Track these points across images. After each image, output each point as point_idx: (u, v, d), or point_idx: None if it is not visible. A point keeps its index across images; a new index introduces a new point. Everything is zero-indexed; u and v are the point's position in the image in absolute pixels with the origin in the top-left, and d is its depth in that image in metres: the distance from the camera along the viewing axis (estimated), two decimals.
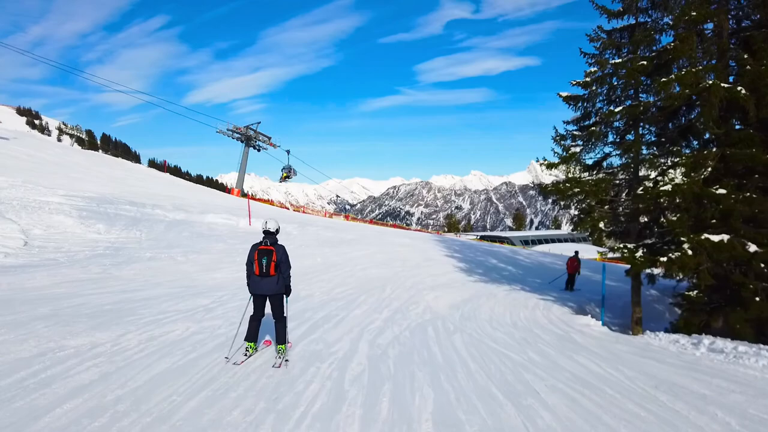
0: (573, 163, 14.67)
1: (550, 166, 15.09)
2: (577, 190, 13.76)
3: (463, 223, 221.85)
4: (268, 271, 6.49)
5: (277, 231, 6.95)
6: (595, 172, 15.48)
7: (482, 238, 65.49)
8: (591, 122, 15.24)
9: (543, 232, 72.09)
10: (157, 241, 17.68)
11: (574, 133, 15.19)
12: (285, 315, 6.72)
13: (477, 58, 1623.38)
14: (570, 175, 15.18)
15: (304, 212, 54.45)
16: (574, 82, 14.92)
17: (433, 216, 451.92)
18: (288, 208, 55.57)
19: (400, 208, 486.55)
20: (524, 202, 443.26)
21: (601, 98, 15.02)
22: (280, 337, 6.70)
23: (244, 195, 54.24)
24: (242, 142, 53.05)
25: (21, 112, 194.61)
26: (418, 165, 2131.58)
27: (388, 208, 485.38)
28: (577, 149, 14.61)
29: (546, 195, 15.28)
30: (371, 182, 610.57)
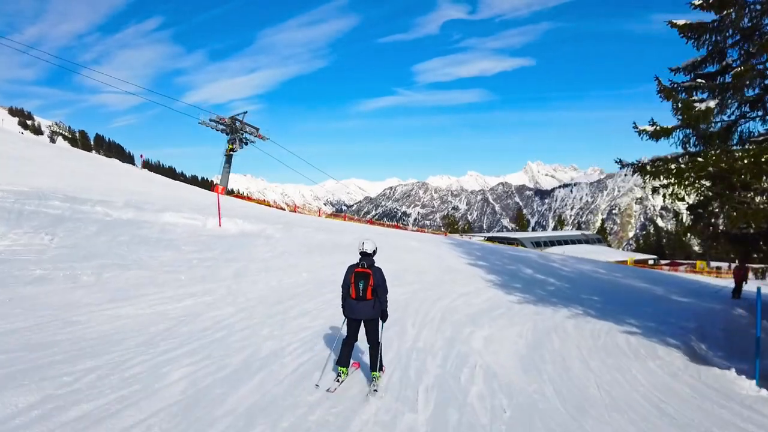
0: (703, 125, 9.18)
1: (660, 133, 9.67)
2: (723, 166, 8.22)
3: (460, 223, 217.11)
4: (365, 294, 6.08)
5: (374, 252, 6.42)
6: (718, 143, 10.03)
7: (490, 239, 60.20)
8: (719, 67, 9.82)
9: (554, 233, 66.78)
10: (74, 249, 12.17)
11: (694, 83, 9.75)
12: (380, 341, 6.28)
13: (473, 59, 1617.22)
14: (687, 148, 9.78)
15: (295, 211, 48.93)
16: (696, 3, 9.50)
17: (430, 216, 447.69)
18: (284, 209, 50.09)
19: (397, 209, 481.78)
20: (520, 203, 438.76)
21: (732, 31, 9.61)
22: (374, 364, 6.19)
23: (230, 193, 48.70)
24: (227, 134, 47.49)
25: (13, 112, 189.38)
26: (415, 165, 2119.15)
27: (384, 209, 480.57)
28: (711, 104, 9.08)
29: (652, 176, 9.82)
30: (368, 183, 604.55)
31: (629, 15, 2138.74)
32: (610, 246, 76.48)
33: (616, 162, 11.22)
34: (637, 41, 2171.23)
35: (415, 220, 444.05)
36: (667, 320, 14.10)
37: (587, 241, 63.34)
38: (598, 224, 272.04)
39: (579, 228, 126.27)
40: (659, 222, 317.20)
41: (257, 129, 48.50)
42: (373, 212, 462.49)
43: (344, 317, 6.34)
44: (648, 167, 10.15)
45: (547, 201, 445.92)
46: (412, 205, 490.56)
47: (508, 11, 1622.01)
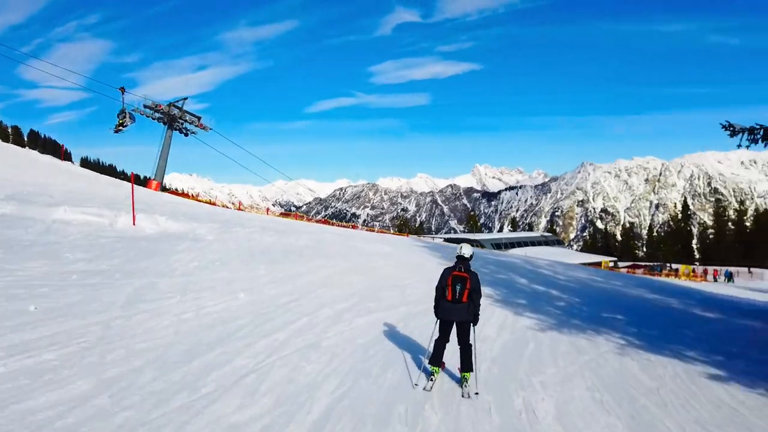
0: None
1: None
2: None
3: (411, 224, 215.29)
4: (461, 297, 6.16)
5: (471, 257, 6.44)
6: None
7: (449, 240, 56.91)
8: None
9: (515, 235, 64.11)
10: None
11: None
12: (471, 342, 6.29)
13: (425, 62, 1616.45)
14: None
15: (240, 208, 43.81)
16: None
17: (380, 218, 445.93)
18: (229, 207, 44.86)
19: (347, 210, 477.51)
20: (468, 205, 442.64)
21: None
22: (466, 365, 6.25)
23: (165, 189, 43.10)
24: (164, 123, 41.82)
25: None
26: (365, 167, 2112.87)
27: (334, 210, 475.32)
28: None
29: None
30: (317, 184, 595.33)
31: (570, 22, 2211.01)
32: (566, 247, 74.99)
33: (724, 128, 7.46)
34: (578, 49, 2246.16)
35: (364, 221, 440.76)
36: (727, 349, 10.53)
37: (546, 242, 61.01)
38: (542, 226, 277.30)
39: (530, 229, 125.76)
40: (598, 224, 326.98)
41: (199, 118, 43.09)
42: (323, 213, 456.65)
43: (437, 319, 6.44)
44: None
45: (493, 203, 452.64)
46: (362, 207, 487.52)
47: (460, 16, 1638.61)
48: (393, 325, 9.02)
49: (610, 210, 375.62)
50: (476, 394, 6.10)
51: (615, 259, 60.18)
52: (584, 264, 47.57)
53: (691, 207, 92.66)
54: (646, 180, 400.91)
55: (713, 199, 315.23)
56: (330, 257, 15.49)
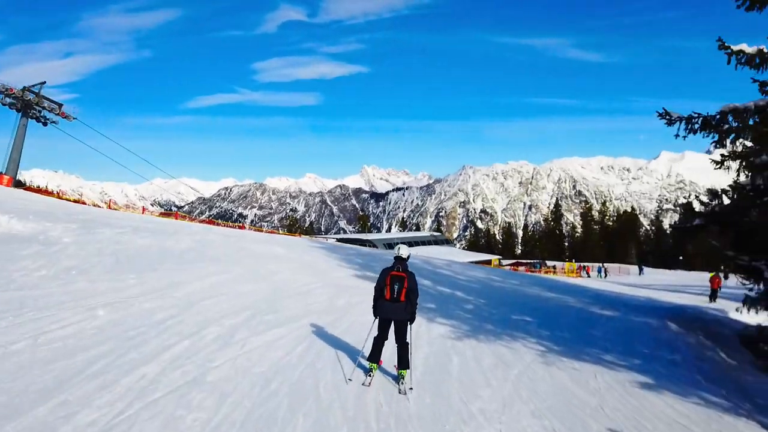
0: None
1: None
2: None
3: (301, 225, 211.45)
4: (399, 296, 6.30)
5: (408, 257, 6.77)
6: None
7: (342, 240, 55.65)
8: None
9: (406, 235, 64.28)
10: None
11: None
12: (408, 341, 6.43)
13: (312, 62, 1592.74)
14: None
15: (110, 207, 39.24)
16: None
17: (268, 218, 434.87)
18: (101, 206, 39.93)
19: (233, 210, 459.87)
20: (357, 205, 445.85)
21: None
22: (403, 362, 6.36)
23: (20, 185, 37.52)
24: (17, 110, 36.21)
25: None
26: (252, 166, 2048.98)
27: (219, 210, 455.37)
28: None
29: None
30: (201, 183, 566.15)
31: (452, 31, 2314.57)
32: (453, 246, 77.15)
33: (660, 116, 6.85)
34: (460, 57, 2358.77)
35: (252, 221, 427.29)
36: (640, 350, 10.32)
37: (436, 242, 61.94)
38: (427, 226, 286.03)
39: (418, 229, 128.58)
40: (479, 224, 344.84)
41: (60, 105, 37.89)
42: (207, 213, 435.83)
43: (375, 317, 6.55)
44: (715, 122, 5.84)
45: (381, 203, 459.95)
46: (249, 207, 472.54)
47: (346, 18, 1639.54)
48: (297, 343, 7.49)
49: (489, 211, 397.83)
50: (410, 389, 6.21)
51: (499, 257, 62.77)
52: (475, 262, 48.76)
53: (551, 209, 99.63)
54: (520, 183, 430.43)
55: (578, 201, 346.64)
56: (217, 261, 13.45)
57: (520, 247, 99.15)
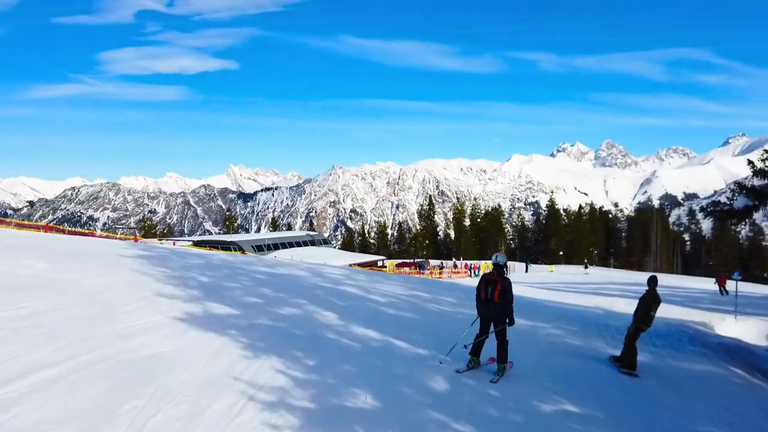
0: None
1: None
2: None
3: (159, 227, 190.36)
4: (492, 297, 6.77)
5: (505, 264, 7.14)
6: None
7: (199, 243, 45.53)
8: None
9: (278, 235, 55.22)
10: None
11: None
12: (507, 338, 6.92)
13: (171, 54, 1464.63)
14: None
15: None
16: None
17: (123, 221, 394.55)
18: None
19: (82, 213, 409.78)
20: (224, 206, 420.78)
21: None
22: (501, 356, 6.88)
23: None
24: None
25: None
26: (104, 164, 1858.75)
27: (65, 213, 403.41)
28: None
29: None
30: (43, 183, 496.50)
31: (319, 31, 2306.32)
32: (333, 246, 69.85)
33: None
34: (326, 58, 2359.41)
35: (104, 224, 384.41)
36: None
37: (313, 242, 54.04)
38: (298, 226, 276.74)
39: (289, 229, 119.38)
40: (349, 223, 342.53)
41: None
42: (51, 216, 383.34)
43: (477, 316, 7.16)
44: None
45: (250, 204, 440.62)
46: (101, 209, 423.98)
47: (208, 11, 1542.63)
48: None
49: (359, 210, 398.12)
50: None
51: (383, 257, 56.77)
52: (360, 265, 41.93)
53: (425, 207, 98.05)
54: (388, 183, 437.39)
55: (441, 200, 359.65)
56: None
57: (394, 245, 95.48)
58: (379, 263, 50.44)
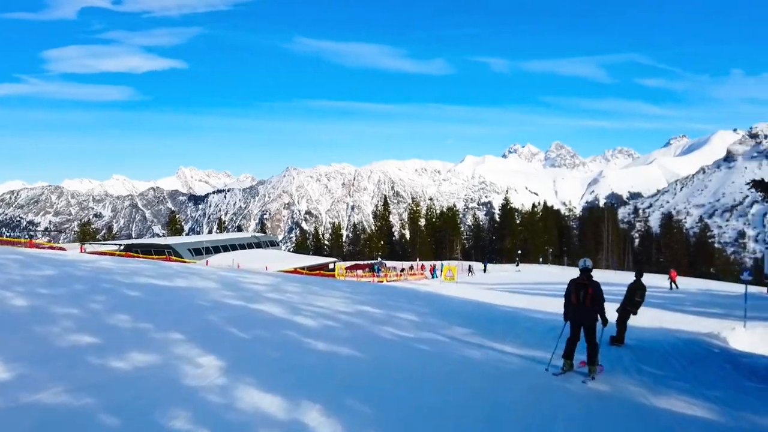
0: None
1: None
2: None
3: (104, 232, 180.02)
4: (584, 302, 6.78)
5: (592, 269, 7.03)
6: None
7: (130, 248, 40.39)
8: None
9: (220, 237, 50.14)
10: None
11: None
12: (597, 341, 6.86)
13: (118, 53, 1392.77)
14: None
15: None
16: None
17: (66, 225, 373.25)
18: None
19: (21, 217, 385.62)
20: (174, 209, 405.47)
21: None
22: (591, 359, 6.82)
23: None
24: None
25: None
26: (46, 167, 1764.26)
27: (3, 217, 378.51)
28: None
29: None
30: None
31: (271, 30, 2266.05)
32: (280, 248, 65.32)
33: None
34: (277, 57, 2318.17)
35: (46, 229, 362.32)
36: None
37: (259, 244, 49.42)
38: (251, 228, 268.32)
39: (240, 231, 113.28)
40: (304, 225, 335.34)
41: None
42: None
43: (565, 321, 7.12)
44: None
45: (201, 206, 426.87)
46: (42, 213, 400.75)
47: (157, 9, 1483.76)
48: None
49: (314, 212, 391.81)
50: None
51: (334, 260, 52.81)
52: (310, 268, 38.09)
53: (379, 208, 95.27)
54: (343, 184, 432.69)
55: (396, 201, 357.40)
56: None
57: (348, 247, 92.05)
58: (330, 266, 46.50)
